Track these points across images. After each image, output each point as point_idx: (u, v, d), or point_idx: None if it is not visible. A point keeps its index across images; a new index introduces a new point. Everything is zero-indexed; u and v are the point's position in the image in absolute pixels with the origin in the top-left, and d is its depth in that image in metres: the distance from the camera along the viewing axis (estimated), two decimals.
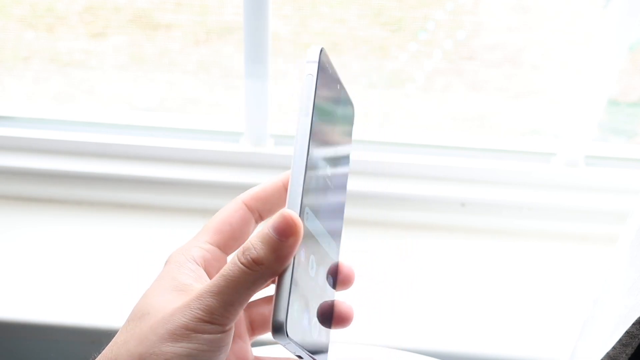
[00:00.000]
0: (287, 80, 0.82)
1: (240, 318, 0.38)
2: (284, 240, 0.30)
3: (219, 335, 0.30)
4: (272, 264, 0.30)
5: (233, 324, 0.31)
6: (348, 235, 0.83)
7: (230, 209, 0.36)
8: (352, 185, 0.82)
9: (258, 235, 0.31)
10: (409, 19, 0.77)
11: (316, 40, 0.80)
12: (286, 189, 0.37)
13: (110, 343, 0.32)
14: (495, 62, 0.80)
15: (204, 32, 0.80)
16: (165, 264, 0.35)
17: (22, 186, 0.82)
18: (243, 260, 0.30)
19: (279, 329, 0.30)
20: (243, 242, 0.35)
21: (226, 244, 0.36)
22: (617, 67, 0.73)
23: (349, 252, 0.79)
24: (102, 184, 0.82)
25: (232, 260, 0.31)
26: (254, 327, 0.39)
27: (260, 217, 0.37)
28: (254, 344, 0.53)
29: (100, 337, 0.72)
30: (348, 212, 0.87)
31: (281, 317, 0.30)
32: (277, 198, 0.37)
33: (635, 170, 0.81)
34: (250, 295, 0.31)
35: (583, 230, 0.81)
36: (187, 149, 0.81)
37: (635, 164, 0.82)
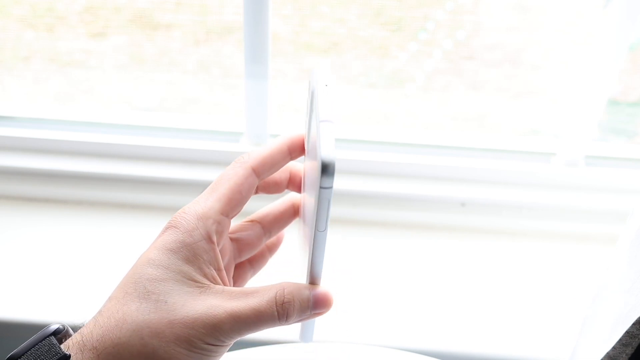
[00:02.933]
0: (287, 80, 0.82)
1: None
2: (314, 313, 0.35)
3: (224, 347, 0.33)
4: (293, 321, 0.34)
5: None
6: (348, 236, 0.83)
7: (241, 175, 0.37)
8: (353, 185, 0.82)
9: (298, 294, 0.34)
10: (409, 19, 0.77)
11: (316, 40, 0.80)
12: (290, 152, 0.38)
13: (115, 316, 0.32)
14: (495, 62, 0.80)
15: (204, 32, 0.80)
16: (176, 227, 0.35)
17: (22, 186, 0.82)
18: (281, 311, 0.33)
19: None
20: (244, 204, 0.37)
21: (233, 212, 0.37)
22: (617, 67, 0.73)
23: (349, 252, 0.80)
24: (102, 184, 0.82)
25: (269, 301, 0.33)
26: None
27: (262, 181, 0.39)
28: (255, 344, 0.53)
29: None
30: (348, 212, 0.87)
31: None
32: (280, 161, 0.38)
33: (635, 170, 0.81)
34: (262, 330, 0.34)
35: (583, 230, 0.81)
36: (187, 149, 0.81)
37: (635, 164, 0.82)
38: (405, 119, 0.86)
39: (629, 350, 0.38)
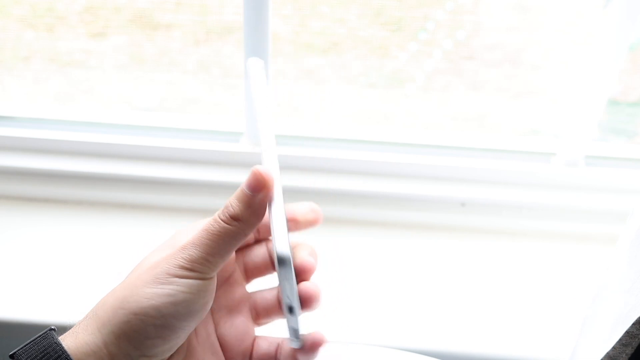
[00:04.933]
0: (287, 80, 0.82)
1: (235, 268, 0.40)
2: (256, 194, 0.34)
3: (199, 281, 0.33)
4: (249, 218, 0.34)
5: (213, 274, 0.34)
6: (348, 236, 0.83)
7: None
8: (353, 185, 0.82)
9: (234, 195, 0.35)
10: (409, 19, 0.77)
11: (316, 40, 0.80)
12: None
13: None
14: (495, 62, 0.80)
15: (204, 32, 0.80)
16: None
17: (22, 186, 0.82)
18: (222, 217, 0.34)
19: (284, 260, 0.34)
20: None
21: None
22: (617, 67, 0.73)
23: (349, 252, 0.80)
24: (102, 184, 0.82)
25: (214, 218, 0.34)
26: (248, 274, 0.41)
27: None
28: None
29: None
30: (348, 212, 0.87)
31: (284, 248, 0.34)
32: None
33: (635, 170, 0.81)
34: (231, 248, 0.34)
35: (583, 230, 0.81)
36: (187, 149, 0.81)
37: (635, 164, 0.82)
38: (405, 119, 0.86)
39: (629, 350, 0.38)
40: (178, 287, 0.32)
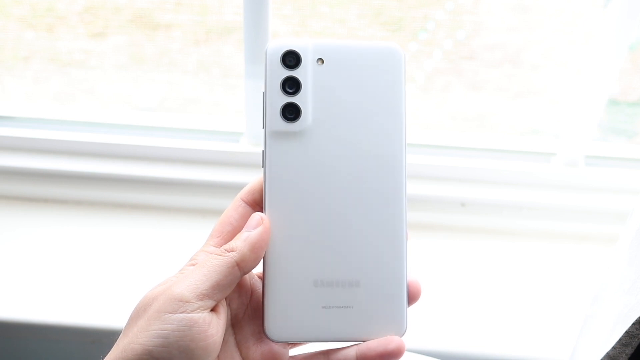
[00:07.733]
0: None
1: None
2: (251, 230, 0.34)
3: (188, 315, 0.31)
4: (244, 250, 0.33)
5: (208, 308, 0.32)
6: None
7: (230, 209, 0.37)
8: None
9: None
10: (409, 19, 0.77)
11: None
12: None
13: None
14: (495, 62, 0.80)
15: (204, 32, 0.80)
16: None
17: (22, 186, 0.82)
18: (217, 252, 0.33)
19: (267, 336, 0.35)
20: None
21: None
22: (617, 67, 0.73)
23: None
24: (102, 184, 0.82)
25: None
26: None
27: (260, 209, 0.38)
28: None
29: (100, 337, 0.72)
30: None
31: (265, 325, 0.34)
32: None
33: (635, 170, 0.81)
34: (224, 279, 0.32)
35: (583, 230, 0.81)
36: (187, 149, 0.81)
37: (635, 164, 0.82)
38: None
39: (629, 350, 0.38)
40: (169, 324, 0.30)
